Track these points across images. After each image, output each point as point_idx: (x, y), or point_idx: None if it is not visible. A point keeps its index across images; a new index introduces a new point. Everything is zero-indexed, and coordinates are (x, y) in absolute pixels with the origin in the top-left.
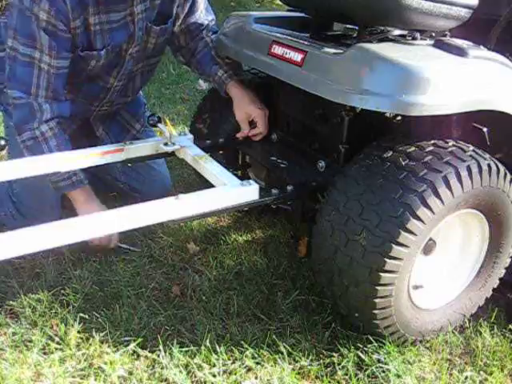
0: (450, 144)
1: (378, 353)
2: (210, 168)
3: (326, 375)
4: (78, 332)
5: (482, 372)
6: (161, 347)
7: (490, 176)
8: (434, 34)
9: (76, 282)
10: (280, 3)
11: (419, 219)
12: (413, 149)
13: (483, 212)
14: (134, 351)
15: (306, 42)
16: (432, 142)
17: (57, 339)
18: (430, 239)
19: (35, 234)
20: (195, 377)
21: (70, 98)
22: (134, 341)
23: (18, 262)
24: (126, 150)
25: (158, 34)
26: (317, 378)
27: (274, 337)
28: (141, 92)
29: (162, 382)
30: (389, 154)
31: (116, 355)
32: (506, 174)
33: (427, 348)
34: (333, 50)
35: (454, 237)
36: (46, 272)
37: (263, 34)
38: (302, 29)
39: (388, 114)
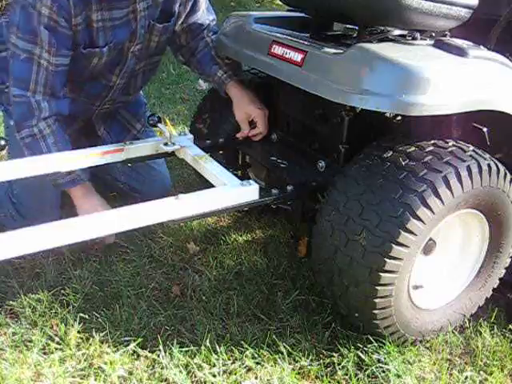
0: (450, 144)
1: (378, 353)
2: (210, 168)
3: (326, 375)
4: (78, 332)
5: (481, 372)
6: (161, 347)
7: (490, 176)
8: (433, 34)
9: (76, 282)
10: (280, 3)
11: (419, 219)
12: (413, 149)
13: (483, 212)
14: (134, 351)
15: (306, 42)
16: (432, 142)
17: (57, 339)
18: (430, 239)
19: (35, 234)
20: (195, 377)
21: (72, 97)
22: (134, 341)
23: (18, 262)
24: (126, 150)
25: (161, 32)
26: (317, 377)
27: (274, 337)
28: (141, 92)
29: (161, 382)
30: (389, 154)
31: (116, 355)
32: (506, 173)
33: (427, 348)
34: (333, 50)
35: (454, 237)
36: (46, 272)
37: (263, 34)
38: (302, 29)
39: (388, 114)
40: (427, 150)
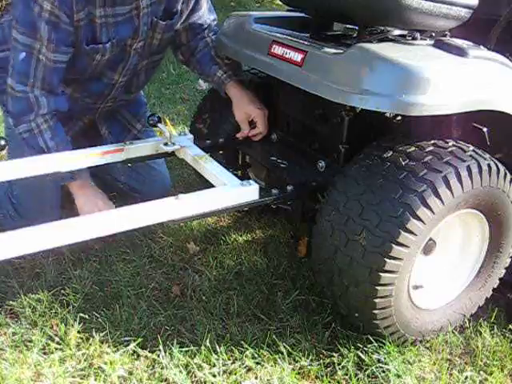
0: (450, 144)
1: (378, 353)
2: (210, 168)
3: (326, 375)
4: (78, 332)
5: (482, 372)
6: (161, 347)
7: (490, 176)
8: (434, 34)
9: (76, 282)
10: (280, 3)
11: (419, 219)
12: (413, 149)
13: (483, 212)
14: (134, 351)
15: (306, 42)
16: (432, 141)
17: (57, 339)
18: (430, 239)
19: (35, 234)
20: (195, 377)
21: (76, 97)
22: (134, 341)
23: (18, 262)
24: (126, 150)
25: (164, 30)
26: (317, 377)
27: (274, 337)
28: (142, 92)
29: (161, 381)
30: (389, 154)
31: (116, 355)
32: (506, 173)
33: (427, 348)
34: (333, 50)
35: (454, 237)
36: (46, 272)
37: (263, 34)
38: (302, 29)
39: (388, 114)
40: (427, 149)
